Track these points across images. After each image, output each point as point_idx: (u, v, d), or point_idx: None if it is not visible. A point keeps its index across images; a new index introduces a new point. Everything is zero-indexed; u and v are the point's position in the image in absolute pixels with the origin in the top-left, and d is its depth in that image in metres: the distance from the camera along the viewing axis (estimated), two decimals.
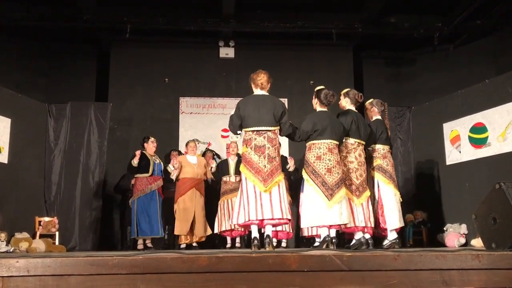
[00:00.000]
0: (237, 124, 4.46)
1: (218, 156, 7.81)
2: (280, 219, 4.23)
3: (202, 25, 8.09)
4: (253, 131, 4.37)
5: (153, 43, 8.74)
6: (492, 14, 7.71)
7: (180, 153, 7.63)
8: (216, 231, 6.91)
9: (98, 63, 9.00)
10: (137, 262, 2.47)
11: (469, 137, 7.17)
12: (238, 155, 7.26)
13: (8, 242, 6.27)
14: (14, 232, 6.47)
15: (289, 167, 6.95)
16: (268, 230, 4.22)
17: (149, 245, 6.67)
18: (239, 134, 4.60)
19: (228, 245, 7.01)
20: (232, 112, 4.59)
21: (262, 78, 4.57)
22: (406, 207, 7.68)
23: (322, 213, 4.40)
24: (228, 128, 4.74)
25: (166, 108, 8.50)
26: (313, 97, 4.87)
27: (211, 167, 6.98)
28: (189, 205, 6.69)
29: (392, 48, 9.35)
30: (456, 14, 7.79)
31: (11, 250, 5.99)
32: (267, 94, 4.58)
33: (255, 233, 4.26)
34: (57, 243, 7.03)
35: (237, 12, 7.86)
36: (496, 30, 8.26)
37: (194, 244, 6.83)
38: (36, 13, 7.72)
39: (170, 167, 6.72)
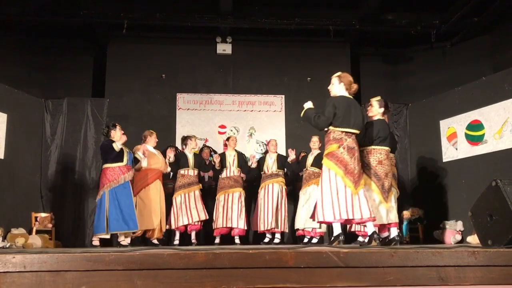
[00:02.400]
0: (331, 120, 4.42)
1: (215, 152, 7.81)
2: (368, 218, 4.34)
3: (199, 21, 8.06)
4: (343, 131, 4.39)
5: (150, 38, 8.71)
6: (489, 11, 7.71)
7: (177, 149, 7.60)
8: (173, 226, 6.79)
9: (95, 58, 8.96)
10: (133, 258, 2.47)
11: (466, 134, 7.19)
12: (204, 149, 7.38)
13: (4, 238, 6.27)
14: (11, 228, 6.47)
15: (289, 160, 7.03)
16: (371, 227, 4.38)
17: (124, 242, 6.08)
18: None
19: (177, 241, 6.83)
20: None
21: (352, 81, 4.55)
22: (403, 204, 7.72)
23: (380, 214, 4.70)
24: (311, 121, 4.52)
25: (163, 104, 8.48)
26: (370, 106, 5.04)
27: (212, 161, 6.98)
28: (156, 197, 6.44)
29: (389, 45, 9.35)
30: (454, 11, 7.79)
31: (7, 246, 5.99)
32: (352, 98, 4.58)
33: (339, 230, 4.36)
34: (53, 239, 7.03)
35: (235, 8, 7.84)
36: (493, 28, 8.27)
37: (156, 242, 6.55)
38: (33, 8, 7.67)
39: (139, 154, 6.37)
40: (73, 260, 2.44)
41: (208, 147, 7.87)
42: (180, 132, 8.23)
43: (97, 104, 7.99)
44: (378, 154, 4.85)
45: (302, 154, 7.16)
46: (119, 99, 8.34)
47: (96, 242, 5.95)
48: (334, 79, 4.59)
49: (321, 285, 2.55)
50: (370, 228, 4.40)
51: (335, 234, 4.37)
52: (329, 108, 4.39)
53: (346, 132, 4.39)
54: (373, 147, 4.83)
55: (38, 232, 6.86)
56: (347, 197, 4.25)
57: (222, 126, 8.47)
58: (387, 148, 4.94)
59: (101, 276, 2.43)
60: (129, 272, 2.45)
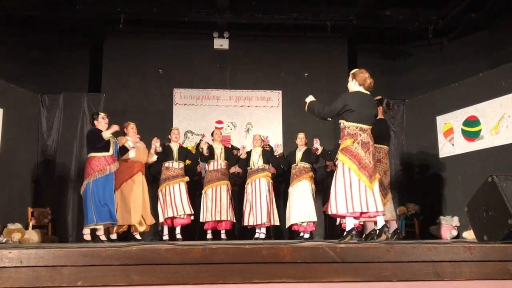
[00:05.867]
0: (336, 112, 4.43)
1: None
2: (382, 212, 4.39)
3: (196, 16, 8.03)
4: (357, 127, 4.40)
5: (147, 34, 8.68)
6: (486, 7, 7.72)
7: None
8: (161, 220, 6.74)
9: (92, 53, 8.92)
10: (130, 253, 2.47)
11: (462, 130, 7.21)
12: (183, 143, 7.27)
13: (0, 233, 6.25)
14: (7, 223, 6.45)
15: (276, 153, 7.01)
16: (381, 221, 4.40)
17: (103, 237, 5.90)
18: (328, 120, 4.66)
19: (165, 237, 6.79)
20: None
21: (368, 77, 4.53)
22: (399, 199, 7.74)
23: None
24: (318, 112, 4.55)
25: (160, 100, 8.46)
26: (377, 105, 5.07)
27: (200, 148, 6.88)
28: (137, 191, 6.32)
29: (386, 41, 9.34)
30: (451, 7, 7.79)
31: (3, 241, 5.98)
32: (369, 93, 4.58)
33: (351, 225, 4.35)
34: (49, 234, 7.02)
35: (232, 3, 7.81)
36: (491, 24, 8.27)
37: (138, 237, 6.45)
38: (29, 3, 7.62)
39: (129, 143, 6.12)
40: (69, 255, 2.44)
41: (205, 142, 7.84)
42: (177, 128, 8.21)
43: (94, 99, 7.97)
44: (377, 152, 5.02)
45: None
46: (116, 94, 8.31)
47: (87, 236, 5.79)
48: (350, 77, 4.60)
49: (317, 280, 2.56)
50: (380, 222, 4.42)
51: (347, 229, 4.37)
52: (339, 102, 4.42)
53: (360, 127, 4.40)
54: (374, 145, 4.89)
55: (34, 227, 6.85)
56: (360, 190, 4.26)
57: (219, 122, 8.46)
58: (386, 147, 5.15)
59: (98, 271, 2.43)
60: (126, 267, 2.45)
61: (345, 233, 4.43)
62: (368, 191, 4.28)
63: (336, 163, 4.72)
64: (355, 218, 4.44)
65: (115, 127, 5.83)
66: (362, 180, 4.27)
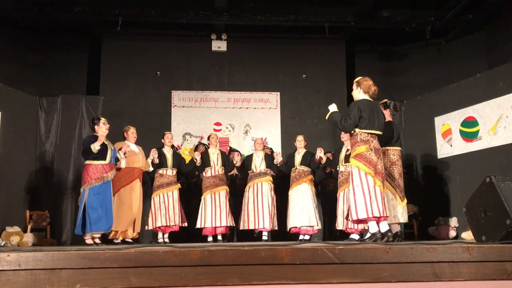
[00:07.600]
0: (357, 122, 4.45)
1: (207, 148, 7.77)
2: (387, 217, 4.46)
3: (194, 18, 8.04)
4: (368, 133, 4.45)
5: (145, 35, 8.68)
6: (483, 8, 7.73)
7: (173, 146, 7.55)
8: (150, 227, 6.65)
9: (90, 55, 8.92)
10: (129, 255, 2.47)
11: (460, 131, 7.22)
12: (173, 146, 7.10)
13: None
14: (5, 226, 6.44)
15: (277, 162, 6.93)
16: (385, 226, 4.40)
17: (97, 241, 5.78)
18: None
19: (160, 240, 6.74)
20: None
21: (372, 85, 4.59)
22: None
23: (396, 213, 4.90)
24: (342, 125, 4.51)
25: (158, 102, 8.46)
26: (382, 107, 5.11)
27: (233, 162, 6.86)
28: (133, 197, 6.24)
29: (384, 42, 9.36)
30: (448, 8, 7.81)
31: (2, 244, 5.97)
32: (373, 100, 4.63)
33: (375, 229, 4.36)
34: (48, 237, 7.00)
35: (230, 5, 7.82)
36: (488, 24, 8.29)
37: (129, 240, 6.38)
38: (27, 5, 7.62)
39: (120, 154, 5.98)
40: (68, 258, 2.44)
41: (204, 144, 7.84)
42: (175, 130, 8.22)
43: (92, 101, 7.96)
44: (392, 155, 5.06)
45: (329, 154, 6.94)
46: (114, 96, 8.31)
47: (89, 240, 5.67)
48: (354, 85, 4.66)
49: (316, 281, 2.56)
50: (384, 227, 4.41)
51: (371, 231, 4.38)
52: (354, 112, 4.44)
53: (371, 133, 4.45)
54: (387, 148, 4.97)
55: (33, 230, 6.84)
56: (377, 195, 4.30)
57: (218, 124, 8.46)
58: (399, 148, 5.17)
59: (96, 273, 2.43)
60: (124, 269, 2.45)
61: (369, 235, 4.46)
62: (384, 196, 4.35)
63: (349, 169, 4.77)
64: (377, 221, 4.43)
65: (101, 140, 5.64)
66: (377, 184, 4.31)
